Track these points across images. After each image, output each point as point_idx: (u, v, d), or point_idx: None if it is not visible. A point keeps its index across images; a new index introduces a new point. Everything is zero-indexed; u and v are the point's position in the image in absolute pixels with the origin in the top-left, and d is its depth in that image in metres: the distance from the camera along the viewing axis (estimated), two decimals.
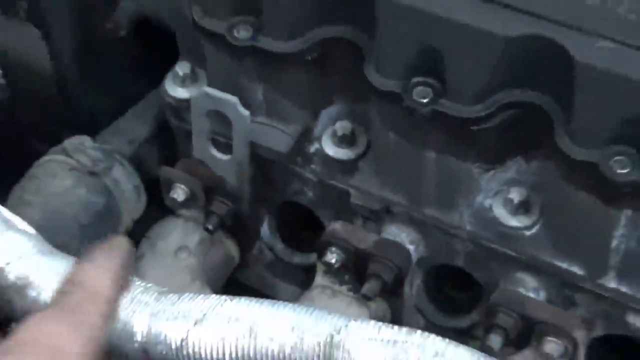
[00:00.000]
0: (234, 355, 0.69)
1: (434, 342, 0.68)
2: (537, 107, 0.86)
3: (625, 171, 0.80)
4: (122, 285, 0.71)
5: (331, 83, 0.95)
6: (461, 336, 1.01)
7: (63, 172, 0.97)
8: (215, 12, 0.92)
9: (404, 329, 0.70)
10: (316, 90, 0.95)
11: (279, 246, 1.07)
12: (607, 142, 0.82)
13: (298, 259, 1.08)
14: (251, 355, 0.69)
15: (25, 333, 0.63)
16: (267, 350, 0.68)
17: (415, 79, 0.87)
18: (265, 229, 1.06)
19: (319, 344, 0.67)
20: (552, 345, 0.92)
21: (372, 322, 0.70)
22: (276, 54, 0.91)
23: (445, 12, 0.84)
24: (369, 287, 0.97)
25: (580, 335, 0.93)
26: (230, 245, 1.06)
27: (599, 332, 0.95)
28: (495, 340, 0.94)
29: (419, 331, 0.68)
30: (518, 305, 0.93)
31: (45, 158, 0.99)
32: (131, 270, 0.74)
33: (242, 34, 0.90)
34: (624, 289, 0.91)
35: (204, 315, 0.70)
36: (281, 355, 0.69)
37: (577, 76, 0.80)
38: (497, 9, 0.84)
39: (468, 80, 0.86)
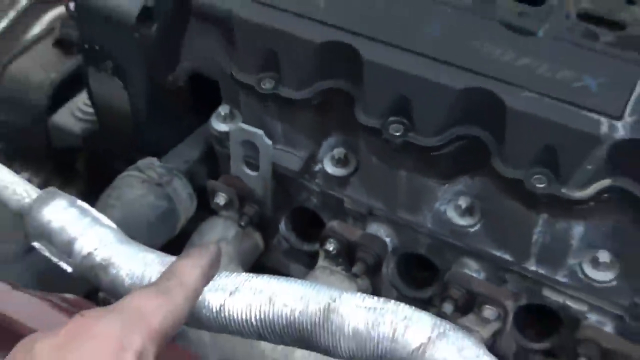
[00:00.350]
0: (257, 318, 0.69)
1: (404, 309, 0.67)
2: (478, 139, 0.88)
3: (542, 186, 0.83)
4: (207, 279, 0.71)
5: (330, 120, 0.98)
6: (424, 304, 1.02)
7: (137, 184, 1.01)
8: (247, 70, 0.95)
9: (382, 299, 0.68)
10: (319, 126, 0.98)
11: (292, 238, 1.10)
12: (529, 164, 0.84)
13: (306, 247, 1.10)
14: (270, 317, 0.68)
15: (124, 300, 0.62)
16: (281, 314, 0.68)
17: (391, 118, 0.89)
18: (282, 226, 1.09)
19: (319, 309, 0.66)
20: (488, 312, 0.94)
21: (359, 294, 0.69)
22: (291, 100, 0.93)
23: (412, 70, 0.86)
24: (357, 268, 0.99)
25: (509, 304, 0.95)
26: (257, 238, 1.09)
27: (523, 302, 0.96)
28: (448, 308, 0.96)
29: (392, 301, 0.67)
30: (465, 283, 0.95)
31: (125, 173, 1.03)
32: (217, 268, 0.73)
33: (267, 85, 0.93)
34: (541, 270, 0.92)
35: (236, 288, 0.70)
36: (292, 318, 0.68)
37: (508, 117, 0.83)
38: (451, 68, 0.86)
39: (429, 119, 0.88)
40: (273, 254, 1.12)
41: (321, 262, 1.03)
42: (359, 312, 0.67)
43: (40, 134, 1.25)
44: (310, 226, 1.08)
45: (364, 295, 0.69)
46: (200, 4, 0.98)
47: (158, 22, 0.98)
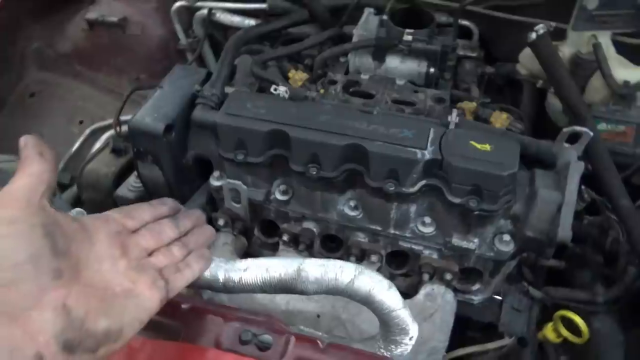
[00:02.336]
0: (260, 281, 0.68)
1: (337, 262, 0.67)
2: (355, 169, 0.87)
3: (392, 189, 0.84)
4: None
5: (276, 171, 0.95)
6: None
7: None
8: (227, 150, 0.92)
9: (326, 260, 0.68)
10: (270, 175, 0.96)
11: (262, 237, 1.06)
12: (384, 178, 0.84)
13: (270, 241, 1.05)
14: (267, 280, 0.68)
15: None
16: (273, 277, 0.68)
17: (310, 165, 0.87)
18: (256, 231, 1.05)
19: (294, 270, 0.67)
20: (374, 258, 0.93)
21: (314, 259, 0.68)
22: (254, 163, 0.91)
23: (316, 138, 0.86)
24: (301, 247, 0.98)
25: (382, 252, 0.95)
26: (243, 240, 1.06)
27: (389, 250, 0.95)
28: (352, 259, 0.95)
29: (332, 260, 0.67)
30: (359, 244, 0.94)
31: None
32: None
33: (239, 157, 0.90)
34: (397, 232, 0.92)
35: (247, 267, 0.69)
36: (279, 278, 0.68)
37: (370, 156, 0.84)
38: (336, 135, 0.85)
39: (329, 163, 0.87)
40: (253, 247, 1.08)
41: (281, 247, 1.01)
42: (316, 268, 0.69)
43: (110, 202, 1.19)
44: (270, 229, 1.05)
45: (316, 259, 0.70)
46: (197, 120, 0.96)
47: (175, 131, 0.95)
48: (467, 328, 1.06)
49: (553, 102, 1.10)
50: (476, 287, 0.98)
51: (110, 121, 1.40)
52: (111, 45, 1.45)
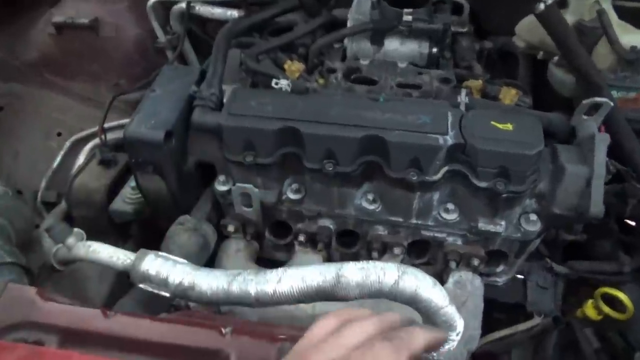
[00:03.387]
0: (297, 292, 0.62)
1: (379, 264, 0.62)
2: (374, 161, 0.83)
3: (415, 178, 0.81)
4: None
5: (287, 170, 0.91)
6: (354, 257, 0.98)
7: (182, 232, 0.91)
8: (234, 153, 0.87)
9: (366, 262, 0.63)
10: (281, 174, 0.92)
11: (273, 239, 1.01)
12: (405, 168, 0.81)
13: (281, 242, 1.01)
14: (305, 290, 0.62)
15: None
16: (311, 286, 0.62)
17: (325, 161, 0.83)
18: (267, 234, 1.01)
19: (333, 277, 0.61)
20: (397, 250, 0.91)
21: (352, 262, 0.62)
22: (263, 164, 0.86)
23: (331, 132, 0.81)
24: (319, 246, 0.94)
25: (405, 243, 0.92)
26: (255, 244, 1.02)
27: (410, 240, 0.93)
28: (374, 255, 0.93)
29: (371, 261, 0.62)
30: (380, 238, 0.91)
31: (172, 229, 0.92)
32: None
33: (248, 159, 0.85)
34: (419, 222, 0.89)
35: (280, 278, 0.65)
36: (318, 286, 0.62)
37: (390, 146, 0.80)
38: (351, 127, 0.81)
39: (346, 157, 0.83)
40: (265, 250, 1.04)
41: (297, 247, 0.97)
42: (356, 272, 0.63)
43: (104, 218, 1.11)
44: (281, 230, 1.00)
45: (355, 262, 0.64)
46: (197, 123, 0.89)
47: (175, 138, 0.89)
48: (492, 310, 1.04)
49: (556, 73, 1.07)
50: (500, 268, 0.96)
51: (91, 131, 1.31)
52: (83, 50, 1.35)
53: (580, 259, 1.00)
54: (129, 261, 0.75)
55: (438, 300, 0.64)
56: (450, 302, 0.65)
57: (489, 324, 0.98)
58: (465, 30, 1.24)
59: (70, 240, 0.81)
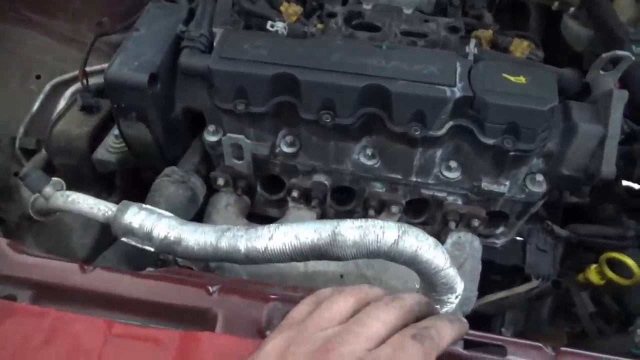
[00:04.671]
0: (291, 249, 0.59)
1: (378, 222, 0.58)
2: (375, 114, 0.78)
3: (418, 132, 0.76)
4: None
5: (282, 121, 0.85)
6: (349, 214, 0.94)
7: (169, 184, 0.85)
8: (225, 100, 0.81)
9: (364, 220, 0.59)
10: (275, 125, 0.86)
11: (265, 194, 0.97)
12: (408, 122, 0.75)
13: (274, 197, 0.97)
14: (299, 247, 0.59)
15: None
16: (305, 244, 0.59)
17: (322, 112, 0.77)
18: (258, 188, 0.96)
19: (328, 235, 0.58)
20: (394, 208, 0.87)
21: (349, 220, 0.59)
22: (256, 113, 0.81)
23: (330, 80, 0.75)
24: (314, 202, 0.90)
25: (403, 202, 0.87)
26: (246, 199, 0.96)
27: (408, 198, 0.88)
28: (371, 212, 0.88)
29: (369, 219, 0.58)
30: (378, 195, 0.87)
31: (158, 180, 0.86)
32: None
33: (240, 107, 0.80)
34: (419, 179, 0.85)
35: (272, 235, 0.62)
36: (312, 244, 0.59)
37: (393, 97, 0.75)
38: (352, 75, 0.75)
39: (345, 108, 0.77)
40: (257, 205, 0.99)
41: (290, 204, 0.92)
42: (353, 230, 0.60)
43: (87, 167, 1.05)
44: (274, 185, 0.96)
45: (352, 220, 0.60)
46: (185, 66, 0.83)
47: (160, 82, 0.82)
48: (489, 271, 1.02)
49: (571, 25, 1.01)
50: (500, 230, 0.93)
51: (73, 74, 1.23)
52: None
53: (581, 222, 0.98)
54: (110, 213, 0.70)
55: (439, 262, 0.61)
56: (451, 263, 0.62)
57: (485, 286, 0.95)
58: None
59: (48, 190, 0.75)
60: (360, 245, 0.60)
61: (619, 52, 0.75)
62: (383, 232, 0.60)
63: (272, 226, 0.64)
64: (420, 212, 0.94)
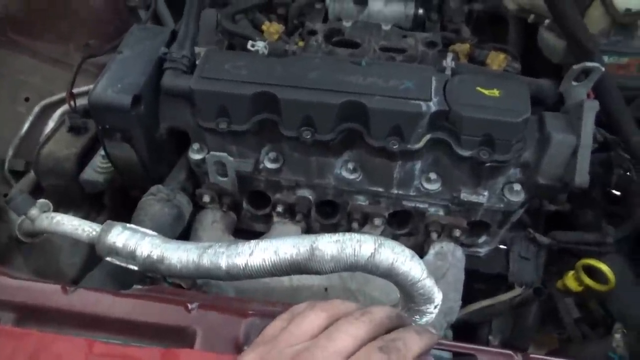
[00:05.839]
0: (270, 265, 0.60)
1: (355, 236, 0.59)
2: (354, 129, 0.80)
3: (396, 146, 0.78)
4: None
5: (263, 138, 0.87)
6: (334, 227, 0.96)
7: (155, 203, 0.86)
8: (207, 119, 0.83)
9: (341, 234, 0.60)
10: (258, 142, 0.88)
11: (252, 209, 0.98)
12: (386, 136, 0.78)
13: (260, 213, 0.98)
14: (278, 263, 0.60)
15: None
16: (284, 259, 0.60)
17: (303, 129, 0.79)
18: (244, 204, 0.98)
19: (307, 250, 0.58)
20: (377, 221, 0.88)
21: (327, 234, 0.59)
22: (238, 131, 0.82)
23: (308, 98, 0.77)
24: (298, 217, 0.91)
25: (386, 214, 0.89)
26: (232, 215, 0.98)
27: (391, 210, 0.89)
28: (355, 225, 0.89)
29: (346, 233, 0.58)
30: (360, 208, 0.88)
31: (144, 199, 0.87)
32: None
33: (222, 126, 0.81)
34: (400, 192, 0.87)
35: (252, 250, 0.62)
36: (292, 259, 0.60)
37: (370, 113, 0.77)
38: (330, 92, 0.77)
39: (325, 125, 0.79)
40: (243, 221, 1.01)
41: (275, 219, 0.94)
42: (330, 244, 0.60)
43: (76, 188, 1.06)
44: (260, 200, 0.97)
45: (330, 234, 0.61)
46: (168, 87, 0.85)
47: (144, 102, 0.84)
48: (473, 280, 1.04)
49: (547, 37, 1.03)
50: (482, 239, 0.95)
51: (61, 95, 1.24)
52: (51, 8, 1.27)
53: (564, 229, 0.99)
54: (94, 233, 0.72)
55: (415, 274, 0.62)
56: (428, 274, 0.63)
57: (470, 295, 0.97)
58: None
59: (33, 212, 0.77)
60: (338, 259, 0.61)
61: (589, 64, 0.77)
62: (360, 245, 0.61)
63: (253, 242, 0.65)
64: (404, 223, 0.96)
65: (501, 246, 0.99)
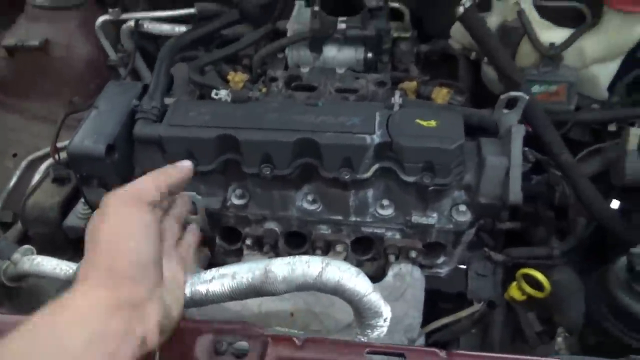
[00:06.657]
0: (228, 289, 0.66)
1: (303, 258, 0.66)
2: (310, 163, 0.87)
3: (348, 177, 0.84)
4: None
5: (230, 176, 0.94)
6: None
7: None
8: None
9: (292, 257, 0.67)
10: (224, 181, 0.95)
11: (225, 244, 1.03)
12: (338, 168, 0.84)
13: (233, 247, 1.03)
14: (235, 287, 0.66)
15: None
16: (241, 283, 0.66)
17: (263, 165, 0.86)
18: (217, 240, 1.03)
19: (261, 273, 0.65)
20: (339, 247, 0.94)
21: (279, 258, 0.67)
22: (205, 171, 0.90)
23: (266, 138, 0.85)
24: (266, 248, 0.96)
25: (347, 241, 0.95)
26: (206, 251, 1.03)
27: (352, 237, 0.95)
28: (318, 252, 0.95)
29: (297, 256, 0.66)
30: (322, 237, 0.94)
31: None
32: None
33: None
34: (358, 219, 0.92)
35: (212, 277, 0.66)
36: (247, 283, 0.66)
37: (322, 148, 0.84)
38: (286, 131, 0.85)
39: (282, 161, 0.86)
40: (217, 256, 1.05)
41: (245, 251, 0.99)
42: (282, 267, 0.67)
43: (60, 234, 1.13)
44: (232, 235, 1.02)
45: (282, 258, 0.68)
46: (139, 135, 0.93)
47: (118, 151, 0.92)
48: (438, 301, 1.09)
49: (487, 71, 1.14)
50: (441, 260, 1.01)
51: (46, 150, 1.33)
52: (35, 70, 1.38)
53: (521, 246, 1.06)
54: (71, 271, 0.78)
55: (361, 289, 0.68)
56: (374, 290, 0.70)
57: (436, 314, 1.02)
58: (408, 35, 1.30)
59: (16, 256, 0.83)
60: (289, 280, 0.67)
61: (513, 93, 0.87)
62: (308, 266, 0.68)
63: (214, 270, 0.71)
64: (368, 249, 1.01)
65: (461, 266, 1.05)
